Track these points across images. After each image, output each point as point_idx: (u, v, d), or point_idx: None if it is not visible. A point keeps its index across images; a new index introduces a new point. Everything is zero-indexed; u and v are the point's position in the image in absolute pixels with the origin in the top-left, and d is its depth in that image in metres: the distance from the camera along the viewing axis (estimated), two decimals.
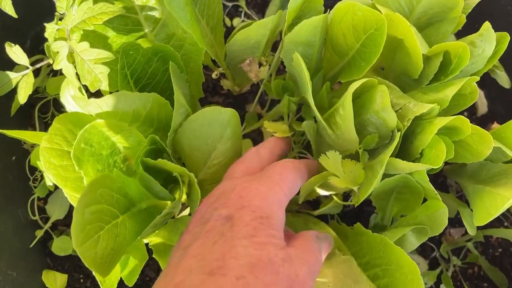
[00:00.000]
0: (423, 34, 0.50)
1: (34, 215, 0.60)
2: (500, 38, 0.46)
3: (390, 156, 0.41)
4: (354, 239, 0.47)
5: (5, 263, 0.54)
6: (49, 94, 0.63)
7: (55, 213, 0.60)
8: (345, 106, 0.41)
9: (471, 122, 0.41)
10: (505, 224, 0.62)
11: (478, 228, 0.58)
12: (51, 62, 0.49)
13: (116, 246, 0.39)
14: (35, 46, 0.65)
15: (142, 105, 0.41)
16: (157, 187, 0.42)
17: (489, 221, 0.44)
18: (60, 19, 0.46)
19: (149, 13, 0.48)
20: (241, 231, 0.32)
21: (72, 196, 0.44)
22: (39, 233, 0.59)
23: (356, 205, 0.48)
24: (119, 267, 0.44)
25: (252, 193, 0.36)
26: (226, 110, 0.43)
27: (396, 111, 0.43)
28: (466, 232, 0.59)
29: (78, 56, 0.38)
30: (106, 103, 0.39)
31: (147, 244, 0.49)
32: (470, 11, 0.49)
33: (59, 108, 0.66)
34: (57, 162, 0.44)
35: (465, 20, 0.48)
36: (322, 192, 0.48)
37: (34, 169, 0.62)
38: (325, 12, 0.47)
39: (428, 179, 0.42)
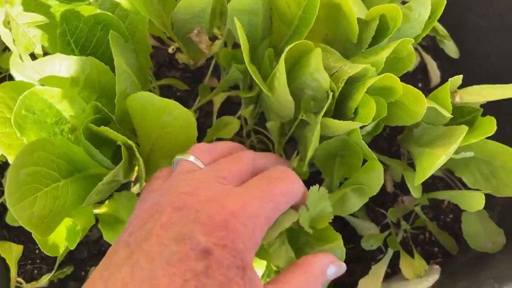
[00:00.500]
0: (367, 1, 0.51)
1: None
2: (437, 3, 0.48)
3: (326, 117, 0.42)
4: None
5: None
6: (3, 69, 0.63)
7: None
8: (279, 68, 0.41)
9: (424, 93, 0.43)
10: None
11: (425, 192, 0.60)
12: None
13: (56, 208, 0.40)
14: None
15: (80, 69, 0.42)
16: (98, 155, 0.43)
17: (424, 178, 0.45)
18: None
19: None
20: (215, 281, 0.28)
21: None
22: None
23: (304, 170, 0.49)
24: (65, 233, 0.45)
25: (240, 229, 0.31)
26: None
27: (333, 74, 0.44)
28: None
29: (13, 21, 0.39)
30: (41, 66, 0.39)
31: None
32: None
33: None
34: (0, 130, 0.44)
35: None
36: None
37: None
38: None
39: (361, 137, 0.43)
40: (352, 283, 0.57)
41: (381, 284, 0.53)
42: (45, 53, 0.45)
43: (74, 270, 0.57)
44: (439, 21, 0.55)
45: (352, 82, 0.44)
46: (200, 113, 0.66)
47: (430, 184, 0.64)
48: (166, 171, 0.43)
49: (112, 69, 0.45)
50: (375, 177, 0.44)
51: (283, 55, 0.41)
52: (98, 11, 0.48)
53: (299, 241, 0.43)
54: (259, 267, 0.41)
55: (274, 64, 0.50)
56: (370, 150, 0.43)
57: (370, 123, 0.43)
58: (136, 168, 0.49)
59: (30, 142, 0.39)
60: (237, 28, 0.44)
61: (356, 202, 0.47)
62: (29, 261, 0.58)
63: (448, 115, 0.46)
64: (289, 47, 0.41)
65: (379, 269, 0.54)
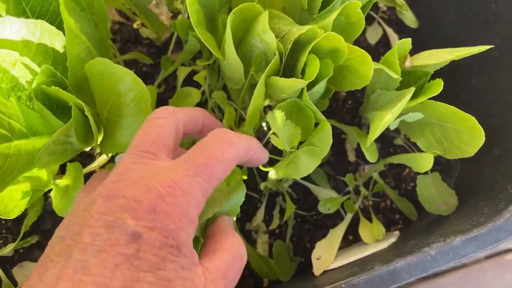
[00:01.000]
0: None
1: None
2: None
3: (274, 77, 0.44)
4: None
5: None
6: None
7: None
8: (226, 31, 0.42)
9: None
10: None
11: (382, 157, 0.61)
12: None
13: (7, 166, 0.40)
14: None
15: (30, 32, 0.42)
16: (50, 117, 0.44)
17: (374, 138, 0.47)
18: None
19: None
20: (147, 262, 0.29)
21: None
22: None
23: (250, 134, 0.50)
24: (20, 196, 0.46)
25: (170, 210, 0.31)
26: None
27: (282, 37, 0.45)
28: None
29: None
30: None
31: None
32: None
33: None
34: None
35: None
36: None
37: None
38: None
39: (309, 98, 0.44)
40: (313, 248, 0.58)
41: (338, 247, 0.54)
42: None
43: (39, 240, 0.58)
44: None
45: (302, 46, 0.46)
46: (167, 87, 0.67)
47: (392, 154, 0.66)
48: (106, 173, 0.44)
49: None
50: (324, 137, 0.45)
51: (229, 16, 0.42)
52: None
53: None
54: None
55: None
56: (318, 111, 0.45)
57: (318, 83, 0.44)
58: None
59: None
60: None
61: (309, 164, 0.48)
62: None
63: (396, 76, 0.47)
64: (236, 8, 0.42)
65: (337, 232, 0.55)
